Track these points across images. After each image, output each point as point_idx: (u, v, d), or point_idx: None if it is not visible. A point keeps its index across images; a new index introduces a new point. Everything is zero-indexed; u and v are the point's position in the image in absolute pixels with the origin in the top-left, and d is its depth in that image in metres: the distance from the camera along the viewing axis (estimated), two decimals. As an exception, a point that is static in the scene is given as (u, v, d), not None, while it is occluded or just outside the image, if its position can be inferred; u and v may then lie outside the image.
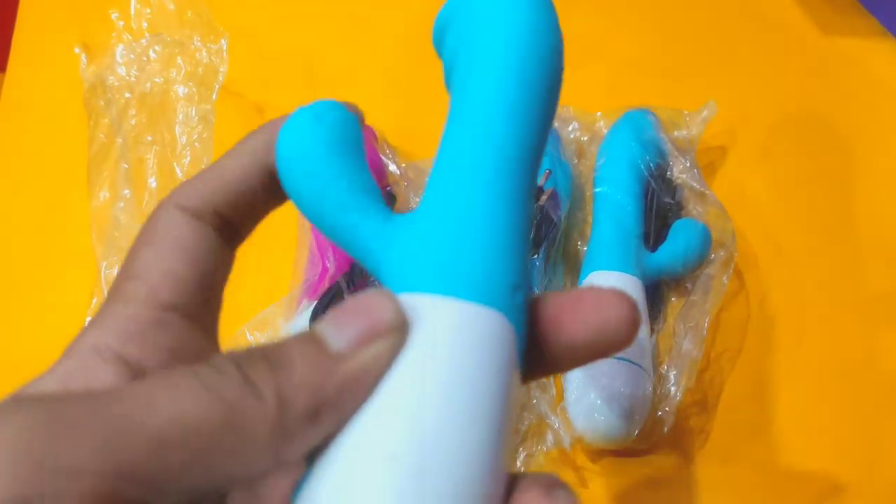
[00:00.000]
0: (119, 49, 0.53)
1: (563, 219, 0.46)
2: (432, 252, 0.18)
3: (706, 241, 0.45)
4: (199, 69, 0.52)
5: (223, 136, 0.53)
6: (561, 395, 0.41)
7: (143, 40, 0.53)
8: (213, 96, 0.51)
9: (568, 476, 0.42)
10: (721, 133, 0.54)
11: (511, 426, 0.17)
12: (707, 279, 0.45)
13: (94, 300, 0.44)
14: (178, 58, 0.52)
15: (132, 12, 0.54)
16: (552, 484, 0.17)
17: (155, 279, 0.19)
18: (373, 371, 0.16)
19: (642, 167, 0.47)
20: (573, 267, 0.47)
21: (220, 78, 0.51)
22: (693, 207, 0.48)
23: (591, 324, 0.18)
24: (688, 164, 0.48)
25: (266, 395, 0.15)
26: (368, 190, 0.20)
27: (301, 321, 0.40)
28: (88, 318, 0.44)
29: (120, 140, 0.49)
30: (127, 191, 0.47)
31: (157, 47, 0.53)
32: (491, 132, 0.19)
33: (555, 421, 0.40)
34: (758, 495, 0.42)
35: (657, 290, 0.46)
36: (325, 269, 0.43)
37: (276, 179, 0.20)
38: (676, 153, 0.49)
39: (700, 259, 0.45)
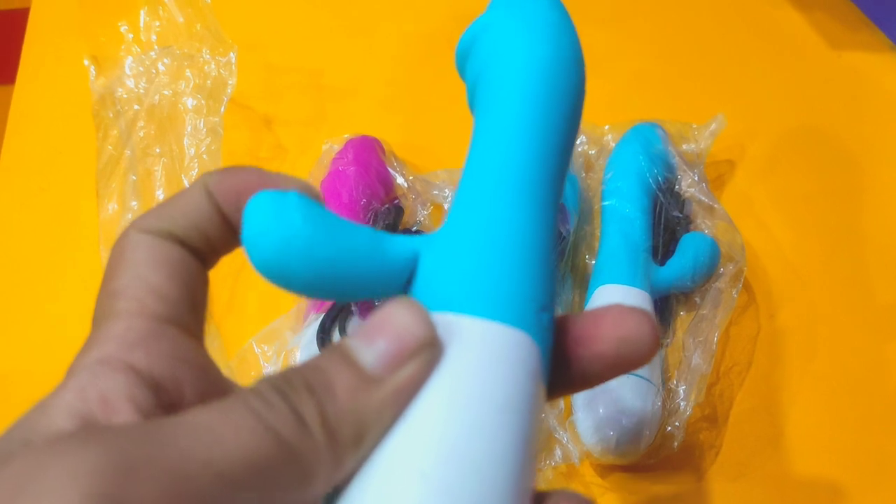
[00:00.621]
0: (128, 61, 0.53)
1: (571, 232, 0.46)
2: (459, 272, 0.18)
3: (714, 255, 0.45)
4: (208, 82, 0.52)
5: (231, 148, 0.53)
6: (570, 410, 0.41)
7: (153, 53, 0.53)
8: (222, 109, 0.51)
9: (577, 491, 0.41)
10: (730, 147, 0.54)
11: (536, 443, 0.17)
12: (716, 293, 0.45)
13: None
14: (187, 70, 0.52)
15: (141, 25, 0.54)
16: (580, 502, 0.17)
17: (141, 294, 0.18)
18: (408, 391, 0.16)
19: (650, 181, 0.47)
20: (581, 280, 0.47)
21: (229, 90, 0.51)
22: (702, 221, 0.48)
23: (614, 341, 0.19)
24: (696, 178, 0.48)
25: (315, 430, 0.15)
26: (362, 230, 0.19)
27: (308, 333, 0.40)
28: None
29: (128, 152, 0.49)
30: (135, 202, 0.47)
31: (166, 60, 0.53)
32: (515, 155, 0.20)
33: (563, 435, 0.40)
34: (768, 512, 0.42)
35: (666, 304, 0.45)
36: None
37: (227, 222, 0.20)
38: (685, 167, 0.49)
39: (709, 273, 0.45)
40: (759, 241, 0.50)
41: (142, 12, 0.54)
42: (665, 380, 0.42)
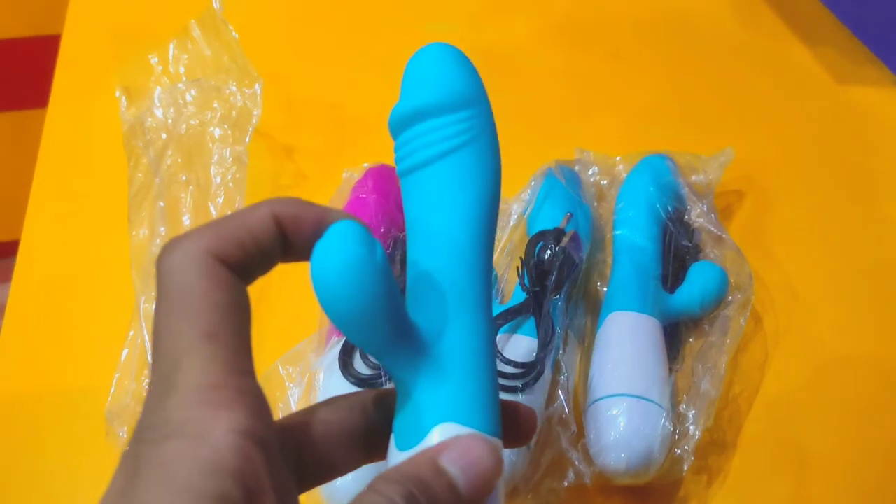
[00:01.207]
0: (157, 92, 0.56)
1: (583, 260, 0.47)
2: (450, 401, 0.23)
3: (723, 284, 0.47)
4: (234, 112, 0.54)
5: (255, 177, 0.55)
6: (582, 432, 0.42)
7: (181, 84, 0.55)
8: (247, 138, 0.53)
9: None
10: (738, 178, 0.55)
11: None
12: (725, 321, 0.46)
13: (131, 332, 0.46)
14: (214, 101, 0.54)
15: (171, 57, 0.57)
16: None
17: (230, 348, 0.20)
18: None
19: (660, 211, 0.49)
20: (593, 307, 0.48)
21: (254, 121, 0.53)
22: (710, 250, 0.49)
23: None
24: (705, 208, 0.50)
25: None
26: (403, 316, 0.23)
27: (331, 356, 0.42)
28: (125, 351, 0.45)
29: (157, 179, 0.51)
30: (163, 228, 0.49)
31: (193, 91, 0.55)
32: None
33: (575, 457, 0.41)
34: (776, 535, 0.42)
35: (676, 331, 0.47)
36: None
37: (286, 238, 0.22)
38: (694, 197, 0.50)
39: (717, 301, 0.46)
40: (767, 271, 0.51)
41: (171, 45, 0.56)
42: (674, 404, 0.43)
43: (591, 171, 0.54)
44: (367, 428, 0.25)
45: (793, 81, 0.62)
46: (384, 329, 0.22)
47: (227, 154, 0.53)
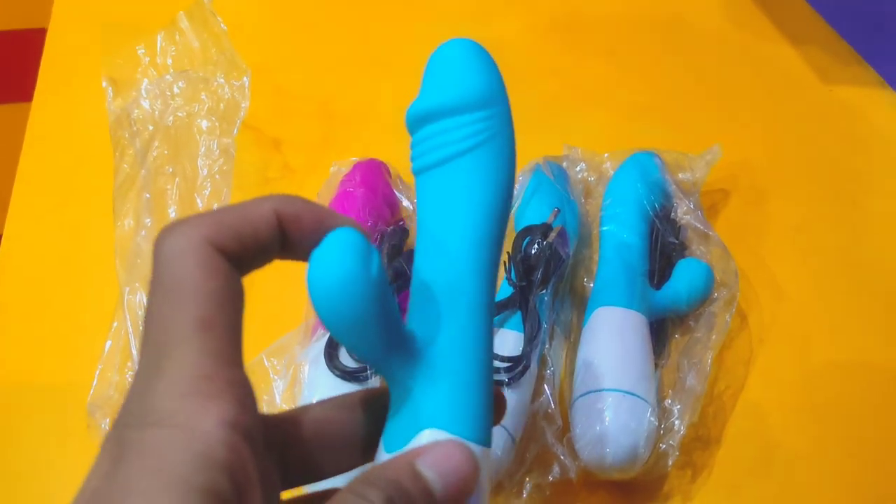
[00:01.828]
0: (144, 84, 0.55)
1: (570, 255, 0.47)
2: (437, 406, 0.23)
3: (709, 281, 0.47)
4: (221, 104, 0.54)
5: (242, 169, 0.54)
6: (567, 427, 0.42)
7: (168, 76, 0.55)
8: (235, 131, 0.53)
9: (573, 507, 0.43)
10: (724, 176, 0.56)
11: None
12: (710, 317, 0.46)
13: (115, 324, 0.45)
14: (202, 93, 0.54)
15: (158, 49, 0.56)
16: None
17: (224, 336, 0.20)
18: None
19: (648, 207, 0.49)
20: (580, 302, 0.48)
21: (242, 113, 0.53)
22: (696, 247, 0.49)
23: None
24: (692, 206, 0.50)
25: None
26: (397, 326, 0.23)
27: (316, 348, 0.42)
28: (109, 343, 0.45)
29: (143, 171, 0.51)
30: (149, 220, 0.49)
31: (181, 83, 0.55)
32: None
33: (560, 451, 0.41)
34: (759, 530, 0.43)
35: (662, 327, 0.47)
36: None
37: (285, 236, 0.22)
38: (681, 194, 0.50)
39: (703, 297, 0.47)
40: (752, 268, 0.51)
41: (159, 36, 0.56)
42: (660, 399, 0.43)
43: (578, 168, 0.54)
44: (357, 429, 0.24)
45: (780, 81, 0.63)
46: (378, 340, 0.22)
47: (215, 146, 0.52)
